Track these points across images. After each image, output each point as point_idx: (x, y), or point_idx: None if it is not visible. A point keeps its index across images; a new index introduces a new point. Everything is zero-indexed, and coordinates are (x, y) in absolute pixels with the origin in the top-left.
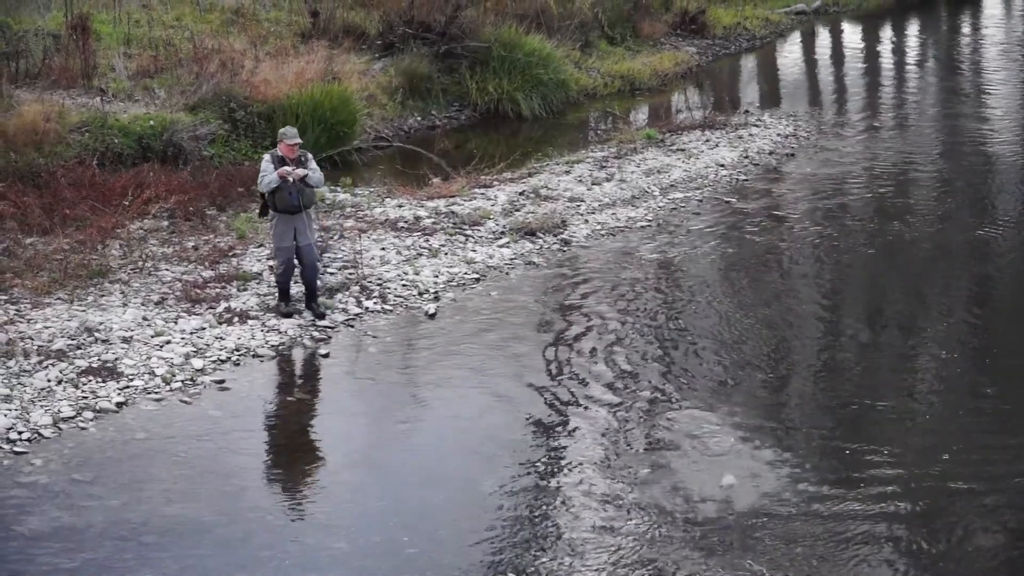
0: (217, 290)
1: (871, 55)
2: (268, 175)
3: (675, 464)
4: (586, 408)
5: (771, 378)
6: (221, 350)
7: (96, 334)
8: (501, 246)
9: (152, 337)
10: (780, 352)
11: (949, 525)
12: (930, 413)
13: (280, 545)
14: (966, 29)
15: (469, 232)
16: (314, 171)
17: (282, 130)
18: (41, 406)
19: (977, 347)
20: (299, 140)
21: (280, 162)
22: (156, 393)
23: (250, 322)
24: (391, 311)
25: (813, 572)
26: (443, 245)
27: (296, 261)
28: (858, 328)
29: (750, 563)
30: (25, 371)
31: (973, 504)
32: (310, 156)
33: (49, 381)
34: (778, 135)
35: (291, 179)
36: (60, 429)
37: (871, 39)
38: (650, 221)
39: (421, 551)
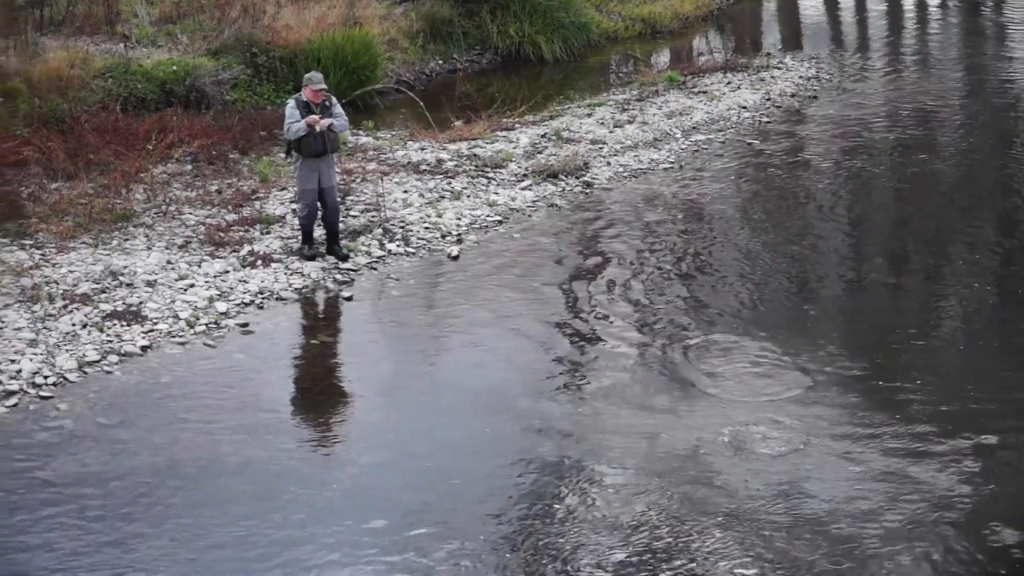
0: (240, 233)
1: None
2: (295, 123)
3: (699, 404)
4: (609, 346)
5: (798, 313)
6: (245, 293)
7: (120, 278)
8: (523, 188)
9: (176, 280)
10: (806, 288)
11: (985, 461)
12: (963, 346)
13: (309, 485)
14: None
15: (491, 175)
16: (339, 117)
17: (308, 75)
18: (66, 350)
19: (1005, 280)
20: (324, 86)
21: (305, 107)
22: (180, 336)
23: (273, 265)
24: (414, 253)
25: (845, 511)
26: (465, 187)
27: (319, 204)
28: (885, 264)
29: (779, 506)
30: (50, 315)
31: (1009, 439)
32: (335, 100)
33: (74, 325)
34: (800, 77)
35: (318, 129)
36: (85, 373)
37: None
38: (672, 163)
39: (449, 485)
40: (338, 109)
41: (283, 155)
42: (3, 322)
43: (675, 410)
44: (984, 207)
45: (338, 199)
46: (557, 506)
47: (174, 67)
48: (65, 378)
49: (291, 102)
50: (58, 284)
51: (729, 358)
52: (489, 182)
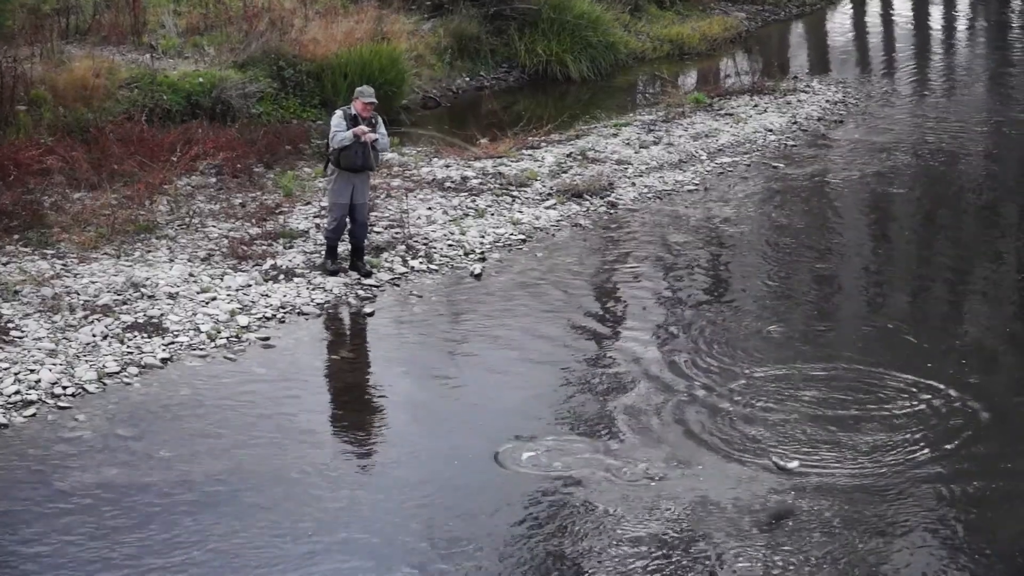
0: (263, 247)
1: (921, 22)
2: (341, 132)
3: (723, 426)
4: (631, 367)
5: (822, 337)
6: (266, 307)
7: (142, 289)
8: (548, 207)
9: (198, 293)
10: (829, 312)
11: None
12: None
13: (327, 501)
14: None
15: (516, 193)
16: (383, 136)
17: (360, 88)
18: (86, 361)
19: None
20: (375, 100)
21: (352, 120)
22: (201, 349)
23: (296, 280)
24: (437, 271)
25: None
26: (489, 205)
27: (347, 219)
28: (908, 292)
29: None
30: (71, 326)
31: None
32: (380, 119)
33: (94, 336)
34: (827, 101)
35: (363, 139)
36: (104, 384)
37: (921, 6)
38: (697, 185)
39: (467, 502)
40: (383, 129)
41: (322, 168)
42: (23, 332)
43: (694, 441)
44: (1008, 237)
45: (368, 216)
46: (572, 529)
47: (200, 79)
48: (84, 389)
49: (338, 112)
50: (79, 295)
51: (746, 378)
52: (513, 200)
